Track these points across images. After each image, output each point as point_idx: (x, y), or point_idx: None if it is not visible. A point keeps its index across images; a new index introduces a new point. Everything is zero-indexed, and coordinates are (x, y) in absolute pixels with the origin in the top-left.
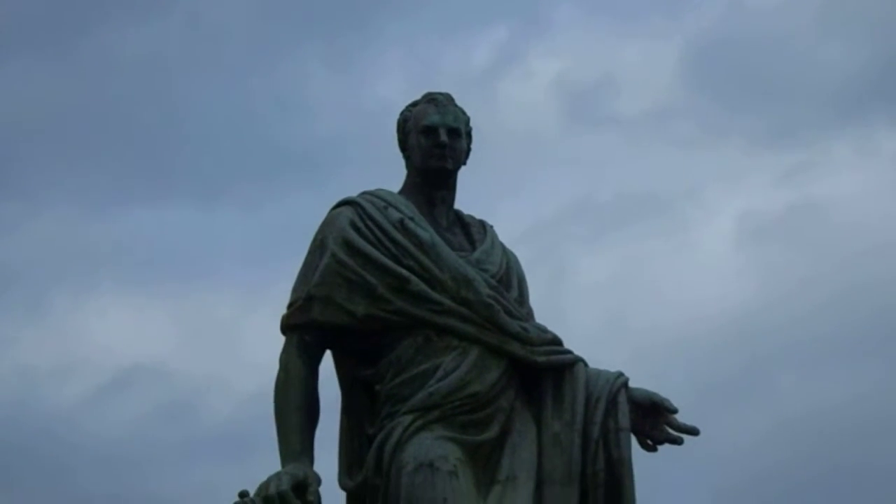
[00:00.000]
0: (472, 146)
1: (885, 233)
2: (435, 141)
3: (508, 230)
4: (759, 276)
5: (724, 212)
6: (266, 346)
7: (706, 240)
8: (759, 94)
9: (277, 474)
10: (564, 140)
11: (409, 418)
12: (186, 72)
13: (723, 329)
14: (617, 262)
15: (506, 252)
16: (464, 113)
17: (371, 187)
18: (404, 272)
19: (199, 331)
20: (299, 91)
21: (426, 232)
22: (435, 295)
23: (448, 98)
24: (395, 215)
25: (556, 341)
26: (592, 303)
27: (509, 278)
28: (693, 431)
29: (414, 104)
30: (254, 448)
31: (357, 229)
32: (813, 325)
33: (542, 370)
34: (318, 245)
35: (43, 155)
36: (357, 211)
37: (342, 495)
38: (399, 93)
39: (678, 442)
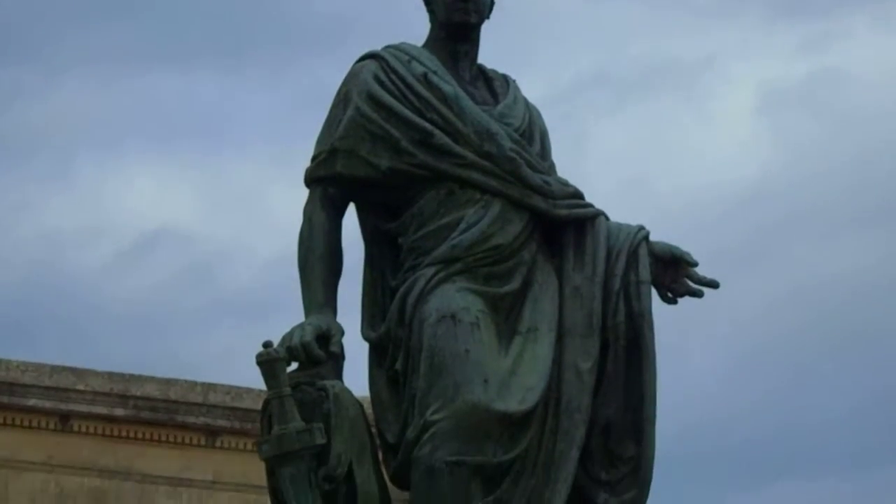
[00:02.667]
0: (493, 13)
1: None
2: None
3: (530, 96)
4: (777, 143)
5: (744, 80)
6: (288, 213)
7: (725, 107)
8: None
9: (301, 325)
10: (585, 9)
11: (431, 270)
12: None
13: (740, 194)
14: (637, 129)
15: (528, 106)
16: None
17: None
18: (428, 125)
19: (222, 197)
20: None
21: (449, 86)
22: (458, 148)
23: None
24: (419, 69)
25: (578, 195)
26: (613, 168)
27: (532, 132)
28: (713, 284)
29: None
30: (275, 312)
31: (381, 83)
32: (828, 191)
33: (564, 223)
34: (342, 98)
35: (64, 21)
36: (381, 64)
37: (365, 347)
38: None
39: (698, 294)
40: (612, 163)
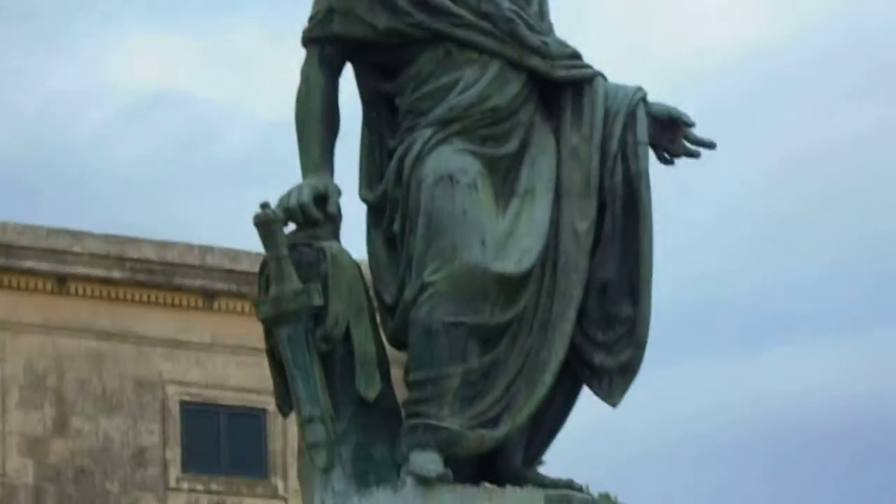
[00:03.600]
0: None
1: None
2: None
3: None
4: (774, 7)
5: None
6: (289, 77)
7: None
8: None
9: (298, 186)
10: None
11: (429, 131)
12: None
13: (736, 60)
14: None
15: None
16: None
17: None
18: None
19: (222, 60)
20: None
21: None
22: (455, 8)
23: None
24: None
25: (577, 55)
26: (612, 34)
27: None
28: (710, 145)
29: None
30: (275, 175)
31: None
32: (824, 67)
33: (562, 84)
34: None
35: None
36: None
37: (363, 208)
38: None
39: (695, 155)
40: (612, 29)
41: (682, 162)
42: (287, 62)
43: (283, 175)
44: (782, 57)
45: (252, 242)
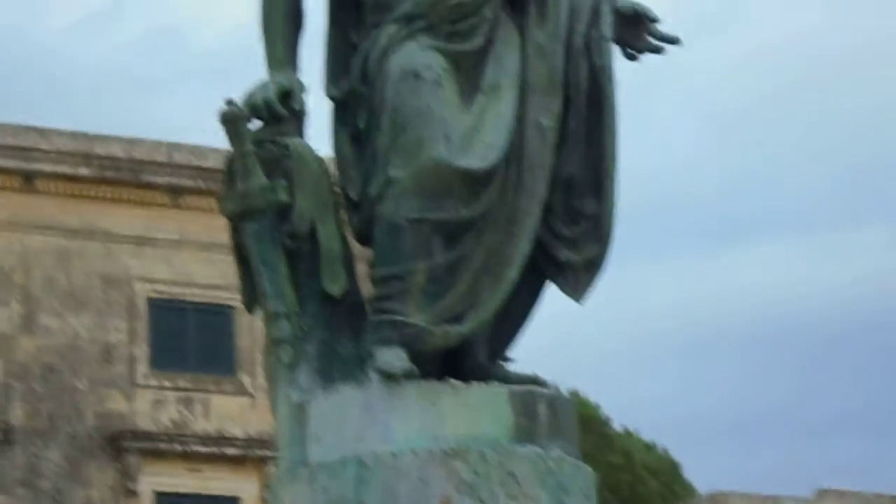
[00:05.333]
0: None
1: None
2: None
3: None
4: None
5: None
6: None
7: None
8: None
9: (263, 83)
10: None
11: (394, 27)
12: None
13: None
14: None
15: None
16: None
17: None
18: None
19: None
20: None
21: None
22: None
23: None
24: None
25: None
26: None
27: None
28: (674, 41)
29: None
30: (244, 75)
31: None
32: None
33: None
34: None
35: None
36: None
37: (327, 106)
38: None
39: (659, 51)
40: None
41: (647, 57)
42: None
43: (253, 75)
44: None
45: (219, 140)
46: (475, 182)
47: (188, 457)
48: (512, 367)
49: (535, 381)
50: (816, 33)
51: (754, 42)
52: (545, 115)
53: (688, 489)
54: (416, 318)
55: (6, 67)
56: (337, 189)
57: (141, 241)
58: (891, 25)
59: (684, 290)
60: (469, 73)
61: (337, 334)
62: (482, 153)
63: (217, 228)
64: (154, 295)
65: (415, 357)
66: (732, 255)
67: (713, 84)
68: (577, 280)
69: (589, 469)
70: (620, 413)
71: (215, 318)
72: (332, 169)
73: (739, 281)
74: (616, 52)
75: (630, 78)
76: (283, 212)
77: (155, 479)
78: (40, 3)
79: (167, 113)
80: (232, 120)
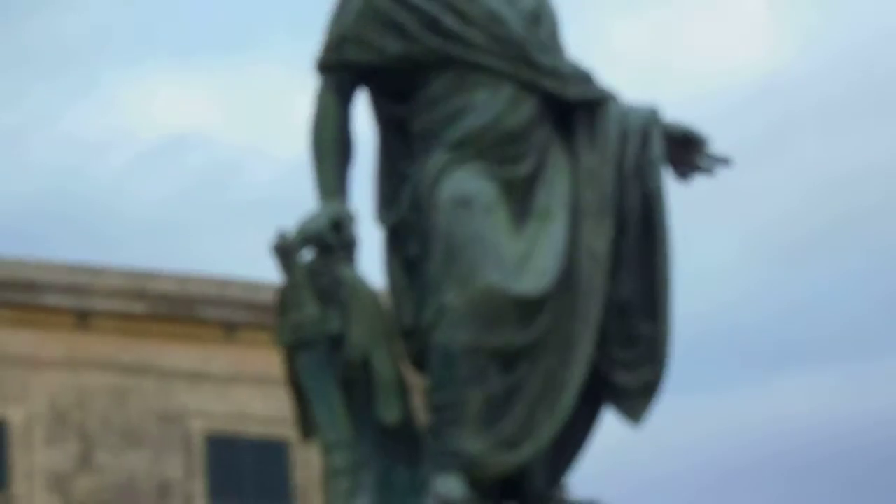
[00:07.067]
0: None
1: None
2: None
3: None
4: (789, 38)
5: None
6: (308, 115)
7: (739, 3)
8: None
9: (314, 214)
10: None
11: (444, 155)
12: None
13: (751, 86)
14: (651, 23)
15: None
16: None
17: None
18: (435, 9)
19: (243, 101)
20: None
21: None
22: (466, 32)
23: None
24: None
25: (589, 76)
26: (627, 61)
27: (541, 14)
28: (725, 161)
29: None
30: (296, 215)
31: None
32: (839, 83)
33: (576, 105)
34: None
35: None
36: None
37: (379, 235)
38: None
39: (710, 171)
40: (627, 55)
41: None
42: (306, 100)
43: (305, 208)
44: (796, 80)
45: (272, 274)
46: (529, 308)
47: None
48: (571, 492)
49: None
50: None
51: (809, 178)
52: (598, 240)
53: None
54: (473, 445)
55: (59, 210)
56: (391, 317)
57: (196, 377)
58: None
59: (736, 417)
60: (520, 198)
61: (393, 463)
62: (535, 279)
63: (272, 363)
64: (210, 430)
65: (473, 483)
66: (781, 383)
67: (767, 210)
68: (635, 404)
69: None
70: None
71: (272, 452)
72: (385, 299)
73: (788, 408)
74: (668, 173)
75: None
76: (337, 341)
77: None
78: (95, 148)
79: (219, 250)
80: (284, 251)
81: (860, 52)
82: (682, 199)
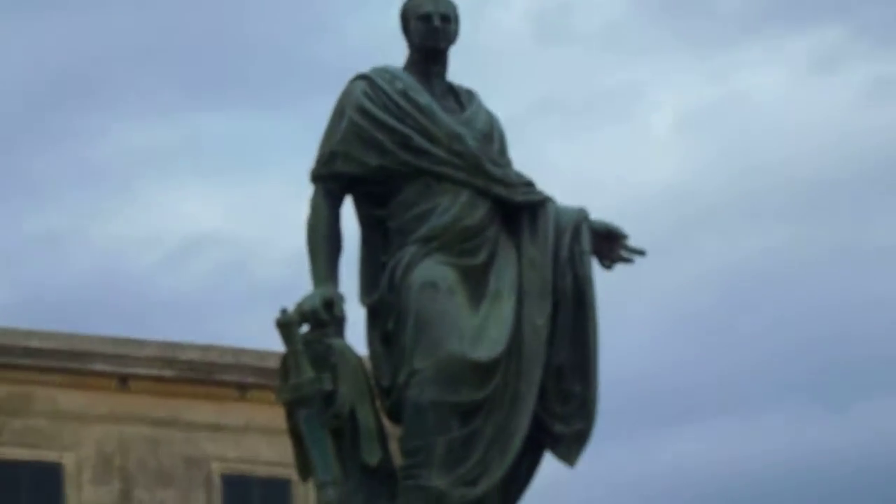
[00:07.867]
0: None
1: (794, 115)
2: (429, 26)
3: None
4: (694, 156)
5: (665, 104)
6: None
7: (651, 127)
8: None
9: (310, 294)
10: (533, 52)
11: (414, 247)
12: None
13: (660, 195)
14: (581, 145)
15: (489, 113)
16: (452, 3)
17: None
18: (407, 131)
19: (252, 207)
20: (332, 16)
21: (424, 98)
22: (433, 149)
23: None
24: (399, 85)
25: (531, 184)
26: (560, 177)
27: (492, 134)
28: (641, 252)
29: None
30: (296, 296)
31: (369, 98)
32: (730, 192)
33: (521, 207)
34: (339, 112)
35: (124, 73)
36: (369, 83)
37: (362, 312)
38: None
39: (630, 261)
40: (561, 168)
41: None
42: (303, 205)
43: (302, 294)
44: (699, 189)
45: (277, 344)
46: (484, 371)
47: None
48: None
49: None
50: (752, 259)
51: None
52: (539, 316)
53: None
54: (438, 482)
55: (112, 294)
56: (371, 379)
57: (215, 428)
58: None
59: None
60: (476, 282)
61: (375, 499)
62: (489, 348)
63: (277, 416)
64: (226, 472)
65: None
66: (687, 431)
67: (674, 291)
68: (569, 449)
69: None
70: None
71: (277, 489)
72: (367, 363)
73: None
74: (594, 263)
75: (607, 280)
76: (329, 398)
77: None
78: (131, 246)
79: (235, 324)
80: (285, 325)
81: (748, 167)
82: (605, 282)
